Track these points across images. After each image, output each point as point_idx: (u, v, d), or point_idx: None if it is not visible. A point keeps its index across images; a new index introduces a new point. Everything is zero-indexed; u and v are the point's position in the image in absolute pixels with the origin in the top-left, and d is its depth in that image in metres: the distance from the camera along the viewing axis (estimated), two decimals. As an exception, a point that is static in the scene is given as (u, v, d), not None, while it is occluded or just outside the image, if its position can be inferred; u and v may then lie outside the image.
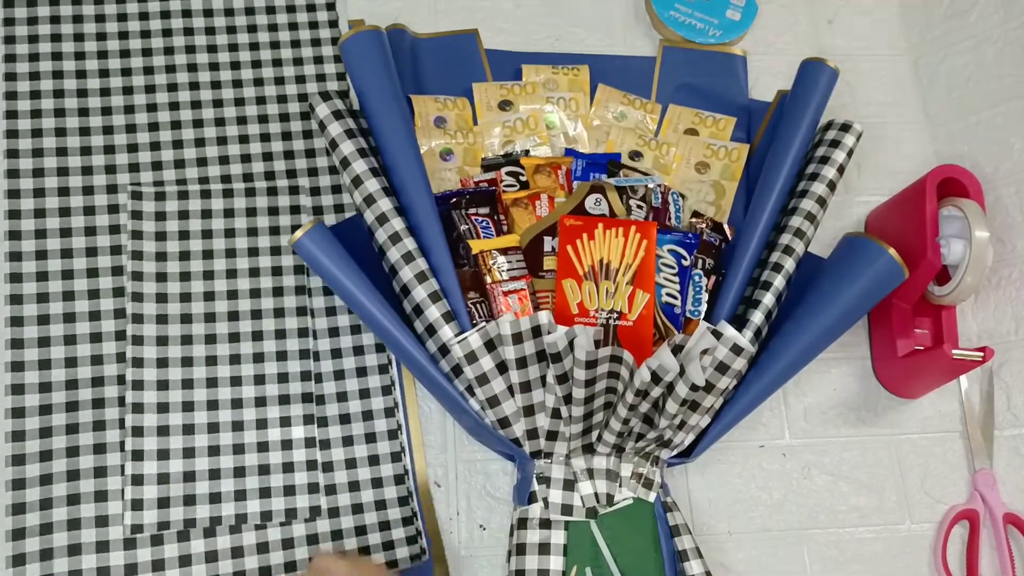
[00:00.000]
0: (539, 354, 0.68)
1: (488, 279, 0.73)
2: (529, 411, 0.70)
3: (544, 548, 0.71)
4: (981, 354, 0.73)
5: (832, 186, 0.79)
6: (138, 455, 0.70)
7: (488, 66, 0.89)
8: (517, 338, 0.66)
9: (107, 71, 0.80)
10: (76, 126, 0.78)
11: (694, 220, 0.83)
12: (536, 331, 0.66)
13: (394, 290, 0.72)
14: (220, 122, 0.81)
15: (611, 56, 0.92)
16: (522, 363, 0.68)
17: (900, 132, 0.94)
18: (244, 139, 0.81)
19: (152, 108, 0.80)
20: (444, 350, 0.69)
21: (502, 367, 0.68)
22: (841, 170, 0.79)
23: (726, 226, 0.84)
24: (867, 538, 0.79)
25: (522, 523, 0.71)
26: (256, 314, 0.76)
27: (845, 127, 0.81)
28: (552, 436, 0.71)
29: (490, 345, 0.68)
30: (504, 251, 0.75)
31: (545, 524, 0.71)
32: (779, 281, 0.75)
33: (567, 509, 0.71)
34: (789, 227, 0.77)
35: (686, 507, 0.78)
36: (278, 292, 0.77)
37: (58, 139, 0.77)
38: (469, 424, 0.73)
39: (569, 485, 0.72)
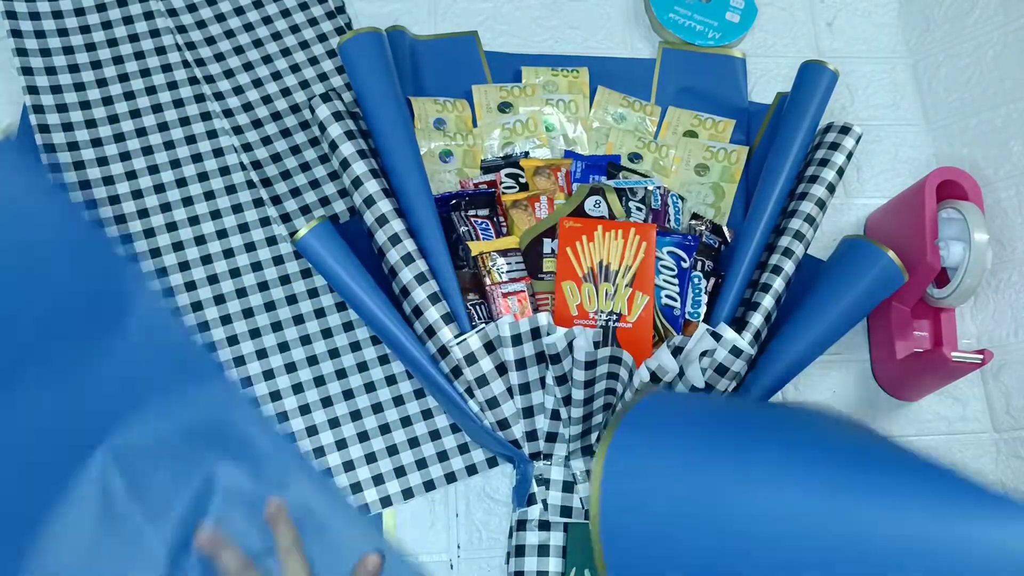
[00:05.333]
0: (538, 356, 0.68)
1: (487, 281, 0.73)
2: (528, 413, 0.70)
3: (543, 550, 0.70)
4: (980, 356, 0.73)
5: (831, 188, 0.79)
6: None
7: (488, 68, 0.89)
8: (516, 340, 0.66)
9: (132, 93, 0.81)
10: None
11: (693, 222, 0.83)
12: (535, 333, 0.66)
13: (393, 292, 0.72)
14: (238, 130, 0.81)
15: (611, 58, 0.92)
16: (521, 365, 0.68)
17: (899, 134, 0.94)
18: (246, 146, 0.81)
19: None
20: (444, 351, 0.69)
21: (501, 368, 0.68)
22: (840, 172, 0.79)
23: (725, 228, 0.84)
24: (866, 540, 0.79)
25: (521, 525, 0.71)
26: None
27: (844, 130, 0.81)
28: (551, 438, 0.71)
29: (489, 347, 0.68)
30: (503, 253, 0.75)
31: (544, 526, 0.71)
32: (778, 283, 0.75)
33: (566, 511, 0.71)
34: (788, 229, 0.77)
35: (685, 509, 0.78)
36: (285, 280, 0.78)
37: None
38: (468, 426, 0.73)
39: (568, 487, 0.72)
